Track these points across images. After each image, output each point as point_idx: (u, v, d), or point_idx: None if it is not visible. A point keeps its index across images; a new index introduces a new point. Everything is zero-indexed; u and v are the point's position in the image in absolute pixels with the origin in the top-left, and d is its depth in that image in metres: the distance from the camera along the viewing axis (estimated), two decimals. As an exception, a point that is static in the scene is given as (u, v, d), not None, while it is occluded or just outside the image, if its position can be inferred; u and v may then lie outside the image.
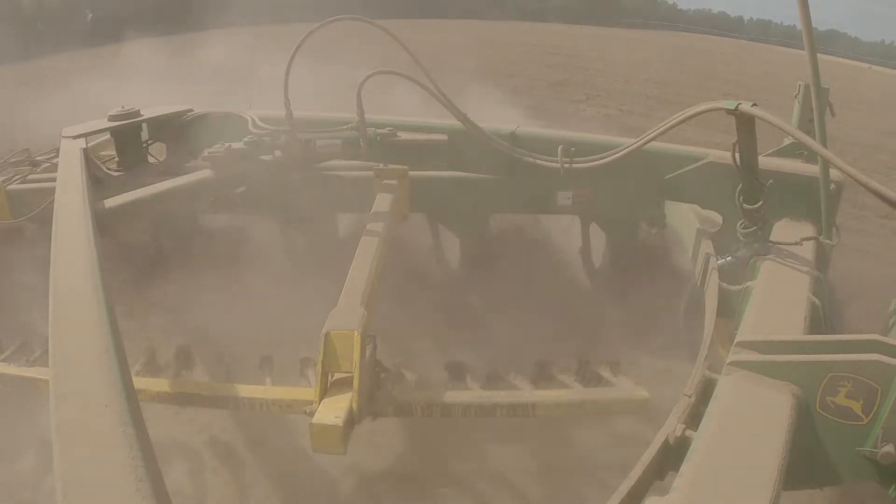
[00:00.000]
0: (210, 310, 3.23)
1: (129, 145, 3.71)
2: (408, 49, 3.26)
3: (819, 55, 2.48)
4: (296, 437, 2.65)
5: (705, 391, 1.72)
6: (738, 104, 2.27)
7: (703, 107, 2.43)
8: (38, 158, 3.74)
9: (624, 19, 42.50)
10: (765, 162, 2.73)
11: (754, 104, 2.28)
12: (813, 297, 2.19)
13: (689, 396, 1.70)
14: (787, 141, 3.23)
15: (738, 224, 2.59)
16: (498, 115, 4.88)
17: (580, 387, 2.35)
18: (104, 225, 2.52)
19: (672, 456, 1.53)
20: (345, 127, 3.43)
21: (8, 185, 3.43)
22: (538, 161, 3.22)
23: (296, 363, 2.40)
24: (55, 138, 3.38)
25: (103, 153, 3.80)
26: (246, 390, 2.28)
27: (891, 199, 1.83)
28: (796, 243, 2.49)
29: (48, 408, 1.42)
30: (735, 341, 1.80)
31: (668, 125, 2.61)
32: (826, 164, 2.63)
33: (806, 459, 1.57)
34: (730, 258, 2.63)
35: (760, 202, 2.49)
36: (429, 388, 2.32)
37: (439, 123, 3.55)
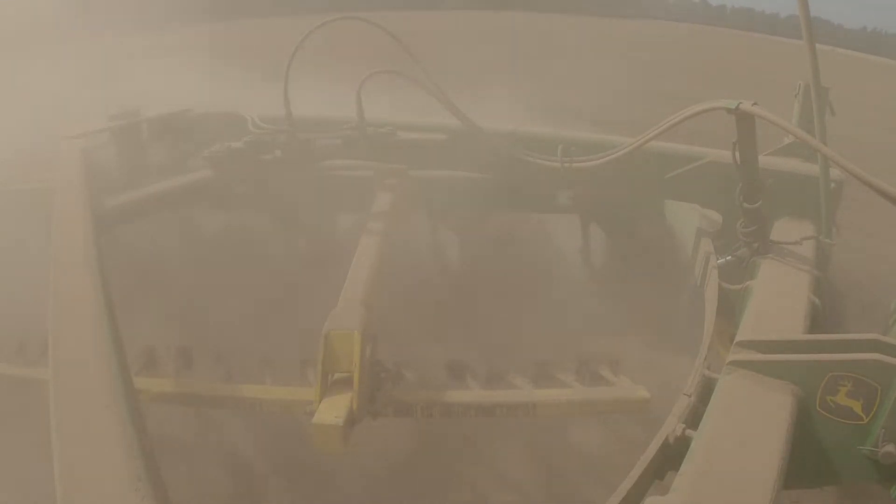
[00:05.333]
0: (209, 309, 3.22)
1: (129, 145, 3.70)
2: (405, 47, 3.26)
3: (793, 41, 2.48)
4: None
5: (705, 391, 1.71)
6: (739, 103, 2.26)
7: (702, 106, 2.42)
8: (40, 158, 3.73)
9: (590, 7, 41.72)
10: (765, 161, 2.72)
11: (755, 103, 2.27)
12: (813, 297, 2.18)
13: (689, 396, 1.70)
14: (788, 140, 3.22)
15: (738, 223, 2.58)
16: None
17: (580, 386, 2.35)
18: (104, 225, 2.52)
19: (672, 456, 1.53)
20: (344, 127, 3.43)
21: (9, 184, 3.43)
22: (538, 161, 3.21)
23: (295, 363, 2.39)
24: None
25: (103, 153, 3.80)
26: (246, 390, 2.28)
27: (895, 197, 1.83)
28: (796, 242, 2.48)
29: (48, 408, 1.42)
30: (735, 341, 1.80)
31: (667, 125, 2.60)
32: (826, 163, 2.62)
33: (806, 459, 1.57)
34: (730, 257, 2.62)
35: (760, 201, 2.49)
36: (429, 387, 2.32)
37: (439, 123, 3.54)
